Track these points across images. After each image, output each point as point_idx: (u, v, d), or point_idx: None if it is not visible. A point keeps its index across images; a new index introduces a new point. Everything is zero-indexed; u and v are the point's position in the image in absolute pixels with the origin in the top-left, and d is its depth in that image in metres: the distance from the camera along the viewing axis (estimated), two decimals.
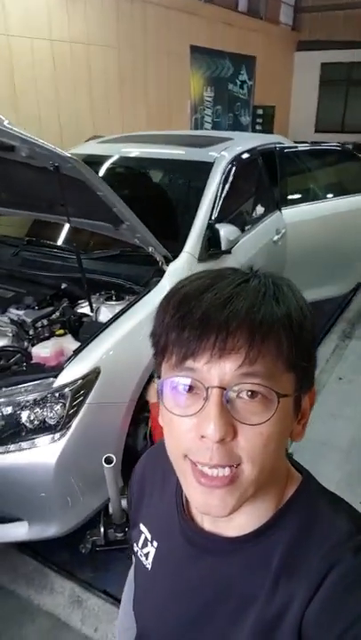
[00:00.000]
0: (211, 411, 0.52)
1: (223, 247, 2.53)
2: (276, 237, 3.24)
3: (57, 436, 1.71)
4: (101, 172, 2.97)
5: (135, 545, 0.77)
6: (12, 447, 1.71)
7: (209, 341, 0.52)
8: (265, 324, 0.53)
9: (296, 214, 3.44)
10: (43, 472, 1.70)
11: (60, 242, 2.66)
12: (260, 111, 11.33)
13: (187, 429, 0.55)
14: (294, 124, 13.18)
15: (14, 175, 2.05)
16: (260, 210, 3.26)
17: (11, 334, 2.10)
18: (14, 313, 2.17)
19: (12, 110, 5.32)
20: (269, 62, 11.41)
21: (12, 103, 5.32)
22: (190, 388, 0.55)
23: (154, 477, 0.79)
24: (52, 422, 1.73)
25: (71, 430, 1.72)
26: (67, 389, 1.73)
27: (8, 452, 1.71)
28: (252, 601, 0.60)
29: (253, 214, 3.20)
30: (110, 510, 1.94)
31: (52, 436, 1.71)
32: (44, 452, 1.70)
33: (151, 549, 0.74)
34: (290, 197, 3.51)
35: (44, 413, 1.72)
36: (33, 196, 2.14)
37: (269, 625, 0.58)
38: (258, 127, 11.24)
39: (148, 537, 0.75)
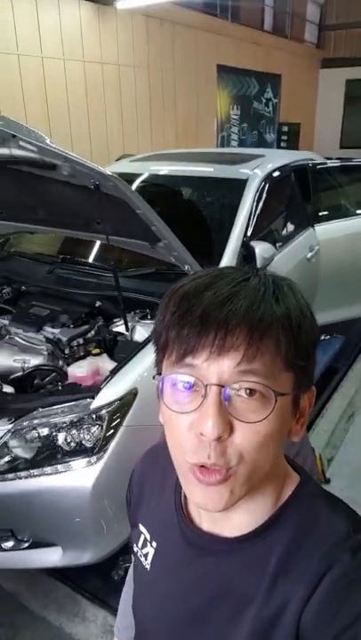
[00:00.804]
0: (209, 408, 0.53)
1: (258, 264, 2.48)
2: (309, 254, 3.19)
3: (93, 459, 1.67)
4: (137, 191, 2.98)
5: (135, 545, 0.77)
6: (48, 469, 1.67)
7: (208, 339, 0.53)
8: (264, 322, 0.53)
9: (329, 231, 3.38)
10: (78, 496, 1.65)
11: (93, 259, 2.64)
12: (285, 128, 11.35)
13: (186, 427, 0.55)
14: (319, 141, 13.15)
15: (52, 193, 2.05)
16: (293, 227, 3.21)
17: (46, 353, 2.08)
18: (49, 331, 2.15)
19: (45, 129, 5.42)
20: (294, 80, 11.46)
21: (46, 122, 5.43)
22: (189, 386, 0.55)
23: (153, 477, 0.79)
24: (88, 445, 1.68)
25: (108, 453, 1.68)
26: (104, 411, 1.69)
27: (44, 474, 1.67)
28: (251, 601, 0.60)
29: (287, 231, 3.16)
30: None
31: (88, 459, 1.67)
32: (80, 476, 1.65)
33: (150, 550, 0.74)
34: (323, 214, 3.46)
35: (81, 435, 1.69)
36: (70, 214, 2.13)
37: (268, 624, 0.58)
38: (283, 144, 11.25)
39: (148, 537, 0.75)
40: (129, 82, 6.53)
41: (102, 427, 1.68)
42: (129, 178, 3.11)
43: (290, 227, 3.19)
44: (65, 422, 1.69)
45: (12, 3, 4.85)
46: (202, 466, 0.55)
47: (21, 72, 5.07)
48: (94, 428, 1.68)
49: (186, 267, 2.13)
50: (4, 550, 1.75)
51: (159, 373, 0.61)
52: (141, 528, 0.77)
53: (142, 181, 3.03)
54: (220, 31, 8.42)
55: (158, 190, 3.03)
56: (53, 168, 1.68)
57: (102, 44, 5.99)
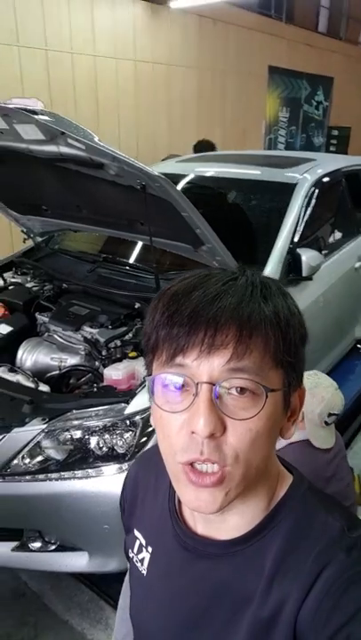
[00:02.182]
0: (200, 406, 0.53)
1: (304, 273, 2.39)
2: (358, 264, 3.06)
3: (125, 465, 1.63)
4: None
5: (130, 551, 0.77)
6: (78, 473, 1.64)
7: (198, 337, 0.53)
8: (253, 319, 0.53)
9: None
10: (108, 503, 1.61)
11: (135, 260, 2.61)
12: (335, 132, 11.06)
13: (177, 427, 0.55)
14: None
15: (97, 192, 2.03)
16: (341, 234, 3.10)
17: (83, 353, 2.06)
18: (88, 331, 2.13)
19: (94, 127, 5.46)
20: (347, 83, 11.16)
21: (95, 120, 5.47)
22: (180, 386, 0.55)
23: (147, 482, 0.78)
24: (120, 451, 1.65)
25: None
26: (138, 417, 1.65)
27: (74, 477, 1.64)
28: (247, 602, 0.60)
29: (334, 239, 3.04)
30: None
31: (120, 465, 1.63)
32: (110, 482, 1.62)
33: (146, 555, 0.73)
34: None
35: (114, 441, 1.65)
36: (114, 213, 2.10)
37: (265, 625, 0.58)
38: (332, 148, 10.97)
39: (143, 542, 0.75)
40: (179, 82, 6.50)
41: (135, 433, 1.64)
42: (174, 178, 3.07)
43: (338, 234, 3.08)
44: (98, 426, 1.66)
45: (69, 1, 4.90)
46: (194, 468, 0.55)
47: (74, 70, 5.11)
48: (127, 434, 1.65)
49: None
50: (32, 551, 1.74)
51: (150, 374, 0.60)
52: (136, 533, 0.76)
53: (187, 182, 2.97)
54: (274, 32, 8.29)
55: (203, 192, 2.97)
56: (100, 167, 1.65)
57: (154, 43, 5.98)
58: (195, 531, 0.67)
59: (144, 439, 1.65)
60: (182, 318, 0.54)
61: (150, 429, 1.66)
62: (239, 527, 0.63)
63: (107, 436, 1.65)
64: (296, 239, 2.50)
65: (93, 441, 1.65)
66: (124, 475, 1.59)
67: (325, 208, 2.97)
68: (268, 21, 8.22)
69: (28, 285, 2.54)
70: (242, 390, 0.54)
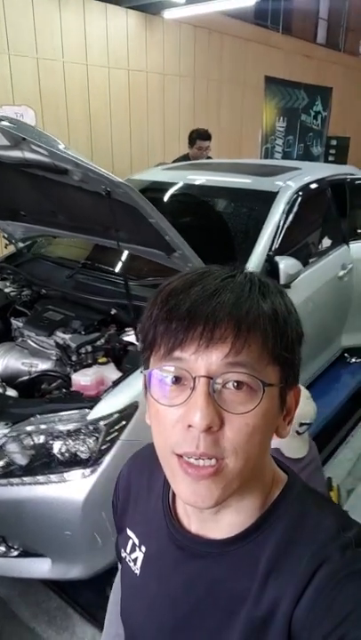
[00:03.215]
0: (198, 399, 0.53)
1: (282, 281, 2.38)
2: (341, 273, 3.06)
3: (87, 471, 1.62)
4: (164, 199, 2.95)
5: (123, 550, 0.76)
6: (40, 478, 1.63)
7: (196, 332, 0.53)
8: (251, 315, 0.54)
9: None
10: (69, 509, 1.61)
11: (114, 267, 2.61)
12: (333, 142, 11.11)
13: (174, 420, 0.55)
14: None
15: (71, 198, 2.04)
16: (325, 243, 3.09)
17: (54, 358, 2.06)
18: (60, 336, 2.13)
19: (86, 135, 5.50)
20: (346, 94, 11.23)
21: (87, 129, 5.50)
22: (177, 379, 0.55)
23: (140, 481, 0.78)
24: (83, 456, 1.64)
25: (102, 467, 1.63)
26: (101, 423, 1.65)
27: (37, 483, 1.63)
28: (241, 602, 0.60)
29: (317, 247, 3.04)
30: None
31: (82, 471, 1.62)
32: (72, 488, 1.61)
33: (139, 554, 0.73)
34: (360, 231, 3.32)
35: (77, 446, 1.64)
36: (88, 219, 2.11)
37: (259, 625, 0.58)
38: (331, 158, 11.02)
39: (136, 542, 0.74)
40: (173, 91, 6.55)
41: (98, 439, 1.64)
42: (159, 186, 3.10)
43: (321, 243, 3.07)
44: (61, 431, 1.65)
45: (60, 11, 4.95)
46: (190, 463, 0.55)
47: (66, 79, 5.16)
48: (90, 440, 1.64)
49: None
50: None
51: (146, 368, 0.60)
52: (129, 533, 0.76)
53: (172, 190, 2.99)
54: (271, 43, 8.36)
55: (186, 200, 2.98)
56: (65, 173, 1.66)
57: (148, 52, 6.04)
58: (188, 529, 0.67)
59: (107, 445, 1.64)
60: (181, 313, 0.54)
61: (114, 435, 1.66)
62: (234, 526, 0.63)
63: (70, 441, 1.64)
64: (275, 247, 2.51)
65: (56, 446, 1.65)
66: (86, 481, 1.61)
67: (308, 216, 2.97)
68: (265, 32, 8.29)
69: (7, 290, 2.54)
70: (239, 385, 0.54)
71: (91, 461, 1.63)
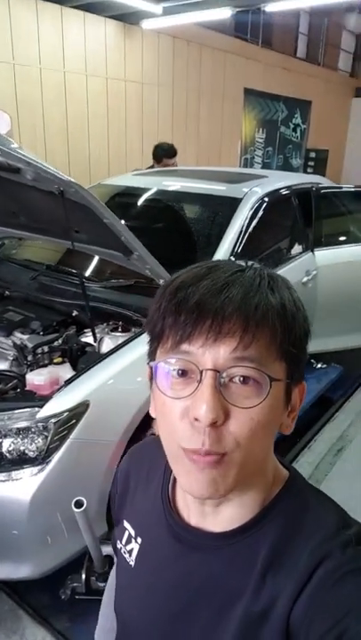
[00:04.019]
0: (204, 392, 0.53)
1: None
2: (305, 279, 3.10)
3: (35, 470, 1.62)
4: (133, 203, 2.99)
5: (118, 542, 0.76)
6: None
7: (205, 325, 0.53)
8: (260, 310, 0.54)
9: (330, 256, 3.29)
10: (16, 508, 1.60)
11: (78, 270, 2.62)
12: (312, 154, 11.32)
13: (180, 413, 0.55)
14: (348, 169, 13.07)
15: (30, 200, 2.05)
16: (289, 249, 3.15)
17: (11, 358, 2.05)
18: (18, 337, 2.13)
19: (63, 141, 5.52)
20: (325, 107, 11.46)
21: (64, 135, 5.52)
22: (184, 372, 0.55)
23: (139, 473, 0.79)
24: (31, 455, 1.64)
25: (51, 466, 1.62)
26: (51, 421, 1.65)
27: None
28: (239, 596, 0.60)
29: (282, 253, 3.09)
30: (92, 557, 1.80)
31: (30, 469, 1.62)
32: (19, 487, 1.60)
33: (135, 546, 0.73)
34: (325, 239, 3.37)
35: (25, 445, 1.64)
36: (48, 220, 2.12)
37: (256, 620, 0.58)
38: (310, 170, 11.21)
39: (132, 533, 0.74)
40: (152, 100, 6.62)
41: (47, 437, 1.63)
42: (129, 191, 3.14)
43: (286, 249, 3.13)
44: (11, 430, 1.65)
45: (38, 17, 4.98)
46: (195, 453, 0.55)
47: (42, 85, 5.18)
48: (39, 439, 1.64)
49: (161, 280, 2.09)
50: None
51: (153, 360, 0.61)
52: (125, 524, 0.76)
53: (139, 194, 3.03)
54: (250, 55, 8.50)
55: (153, 205, 3.02)
56: (17, 172, 1.67)
57: (127, 61, 6.10)
58: (188, 522, 0.67)
59: (56, 444, 1.64)
60: (190, 306, 0.54)
61: (63, 434, 1.66)
62: (233, 520, 0.63)
63: (18, 439, 1.63)
64: (238, 250, 2.55)
65: (5, 445, 1.64)
66: (34, 480, 1.60)
67: (273, 223, 3.02)
68: (244, 45, 8.44)
69: None
70: (245, 379, 0.54)
71: (39, 460, 1.62)
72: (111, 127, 6.11)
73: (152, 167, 4.59)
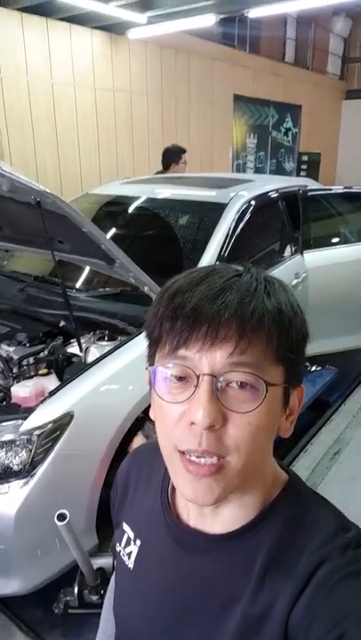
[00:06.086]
0: (201, 397, 0.53)
1: None
2: (295, 282, 3.09)
3: (20, 483, 1.60)
4: (119, 212, 2.99)
5: (117, 545, 0.76)
6: None
7: (201, 331, 0.54)
8: (256, 315, 0.54)
9: (320, 258, 3.29)
10: (1, 523, 1.58)
11: (65, 281, 2.62)
12: (305, 158, 11.35)
13: (177, 417, 0.56)
14: (342, 171, 13.11)
15: (11, 211, 2.04)
16: (277, 252, 3.14)
17: None
18: (4, 349, 2.12)
19: (53, 153, 5.54)
20: (316, 110, 11.52)
21: (54, 146, 5.54)
22: (182, 377, 0.56)
23: (139, 476, 0.79)
24: (16, 468, 1.62)
25: (35, 479, 1.61)
26: (35, 433, 1.63)
27: None
28: (237, 599, 0.59)
29: (270, 256, 3.08)
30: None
31: (15, 483, 1.60)
32: (4, 501, 1.58)
33: (134, 548, 0.73)
34: (314, 241, 3.37)
35: (10, 458, 1.62)
36: (29, 231, 2.12)
37: (255, 622, 0.58)
38: (303, 173, 11.24)
39: (131, 536, 0.74)
40: (141, 109, 6.65)
41: (31, 450, 1.62)
42: (117, 200, 3.14)
43: (274, 252, 3.12)
44: None
45: (24, 29, 5.02)
46: (192, 460, 0.56)
47: (30, 97, 5.21)
48: (23, 452, 1.62)
49: (145, 288, 2.08)
50: None
51: (152, 365, 0.61)
52: (125, 527, 0.76)
53: (125, 203, 3.03)
54: (238, 62, 8.55)
55: (138, 212, 3.02)
56: None
57: (114, 71, 6.14)
58: (187, 523, 0.67)
59: (40, 456, 1.62)
60: (187, 312, 0.55)
61: (47, 446, 1.64)
62: (233, 522, 0.63)
63: (2, 453, 1.62)
64: (225, 254, 2.54)
65: None
66: (18, 494, 1.58)
67: (260, 227, 3.02)
68: (231, 51, 8.49)
69: None
70: (242, 384, 0.54)
71: (23, 473, 1.61)
72: (101, 137, 6.13)
73: (161, 172, 4.63)
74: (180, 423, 0.56)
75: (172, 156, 4.56)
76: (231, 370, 0.54)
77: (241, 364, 0.54)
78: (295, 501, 0.64)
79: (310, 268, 3.22)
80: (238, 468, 0.56)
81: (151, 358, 0.61)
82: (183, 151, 4.60)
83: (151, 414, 0.63)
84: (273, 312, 0.55)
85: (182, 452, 0.57)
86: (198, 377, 0.54)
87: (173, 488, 0.71)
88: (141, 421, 1.92)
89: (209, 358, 0.54)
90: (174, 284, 0.59)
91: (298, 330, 0.58)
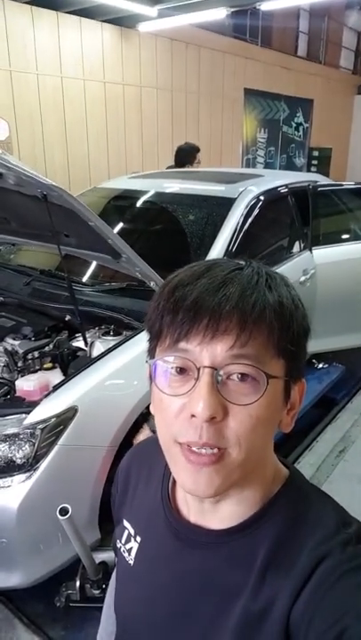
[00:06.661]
0: (202, 389, 0.53)
1: None
2: (303, 278, 3.06)
3: (23, 477, 1.60)
4: (127, 206, 2.97)
5: (118, 541, 0.76)
6: None
7: (202, 323, 0.54)
8: (257, 308, 0.54)
9: (329, 255, 3.25)
10: (4, 516, 1.58)
11: (72, 275, 2.61)
12: (315, 153, 11.27)
13: (177, 410, 0.55)
14: (353, 167, 12.99)
15: (19, 205, 2.04)
16: (286, 248, 3.11)
17: (2, 365, 2.04)
18: (10, 343, 2.12)
19: (62, 147, 5.53)
20: (327, 105, 11.40)
21: (63, 140, 5.53)
22: (182, 370, 0.56)
23: (139, 472, 0.79)
24: (19, 462, 1.62)
25: (39, 473, 1.60)
26: (38, 427, 1.63)
27: None
28: (238, 595, 0.59)
29: (279, 252, 3.06)
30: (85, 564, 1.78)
31: (18, 476, 1.60)
32: (7, 495, 1.59)
33: (134, 544, 0.73)
34: (323, 237, 3.33)
35: (13, 452, 1.62)
36: (36, 225, 2.11)
37: (255, 618, 0.57)
38: (313, 168, 11.16)
39: (132, 532, 0.74)
40: (150, 103, 6.62)
41: (35, 444, 1.62)
42: (125, 194, 3.13)
43: (282, 248, 3.09)
44: None
45: (34, 22, 5.00)
46: (192, 451, 0.55)
47: (40, 91, 5.20)
48: (26, 445, 1.62)
49: (152, 283, 2.07)
50: None
51: (152, 358, 0.61)
52: (125, 523, 0.76)
53: (133, 197, 3.01)
54: (249, 55, 8.48)
55: (147, 207, 3.00)
56: (0, 176, 1.66)
57: (124, 65, 6.11)
58: (187, 519, 0.67)
59: (44, 450, 1.62)
60: (187, 304, 0.55)
61: (51, 440, 1.64)
62: (233, 517, 0.62)
63: (6, 446, 1.62)
64: (233, 249, 2.52)
65: None
66: (21, 487, 1.58)
67: (269, 222, 2.99)
68: (243, 45, 8.42)
69: None
70: (243, 376, 0.54)
71: (26, 467, 1.60)
72: (110, 131, 6.11)
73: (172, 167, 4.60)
74: (180, 416, 0.55)
75: (186, 156, 4.50)
76: (232, 362, 0.54)
77: (242, 356, 0.54)
78: (296, 497, 0.64)
79: (319, 265, 3.19)
80: (239, 460, 0.56)
81: (152, 352, 0.61)
82: (197, 150, 4.54)
83: (151, 408, 0.62)
84: (274, 305, 0.55)
85: (182, 444, 0.56)
86: (199, 369, 0.54)
87: (174, 484, 0.71)
88: (147, 416, 1.91)
89: (210, 351, 0.54)
90: (175, 277, 0.59)
91: (299, 323, 0.58)
